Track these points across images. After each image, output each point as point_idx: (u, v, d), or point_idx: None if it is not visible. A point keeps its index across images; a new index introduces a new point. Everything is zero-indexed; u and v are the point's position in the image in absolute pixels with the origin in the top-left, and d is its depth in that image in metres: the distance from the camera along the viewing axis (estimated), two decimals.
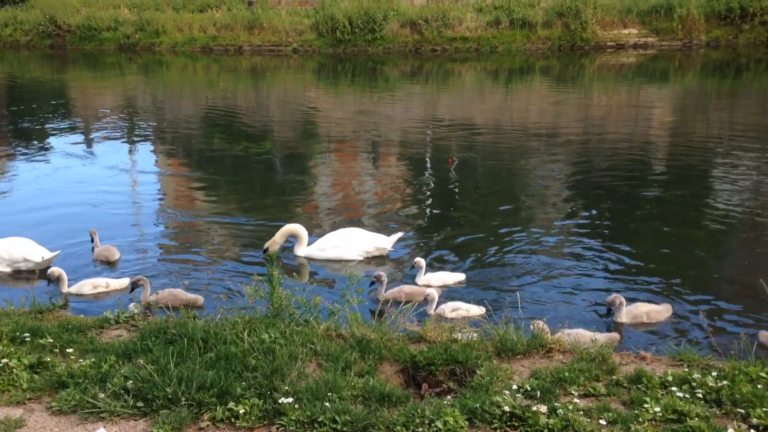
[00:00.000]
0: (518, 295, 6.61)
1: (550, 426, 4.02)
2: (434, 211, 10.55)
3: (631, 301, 6.99)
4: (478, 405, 4.19)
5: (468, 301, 7.05)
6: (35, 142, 16.26)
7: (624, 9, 28.10)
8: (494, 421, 4.11)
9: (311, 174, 12.87)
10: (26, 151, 15.22)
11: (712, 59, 25.78)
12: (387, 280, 7.38)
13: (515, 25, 28.26)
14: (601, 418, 4.13)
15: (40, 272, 8.12)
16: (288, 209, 10.76)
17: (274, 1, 33.68)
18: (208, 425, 4.17)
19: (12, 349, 5.03)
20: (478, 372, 4.71)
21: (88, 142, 16.20)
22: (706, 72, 23.99)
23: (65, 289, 7.61)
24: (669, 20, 27.39)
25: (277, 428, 4.13)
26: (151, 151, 15.54)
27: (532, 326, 5.61)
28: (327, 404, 4.21)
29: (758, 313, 6.83)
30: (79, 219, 10.18)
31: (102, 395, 4.38)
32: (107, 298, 7.39)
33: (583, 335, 5.86)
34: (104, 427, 4.19)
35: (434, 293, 7.00)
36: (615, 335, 6.26)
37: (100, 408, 4.30)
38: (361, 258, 8.57)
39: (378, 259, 8.63)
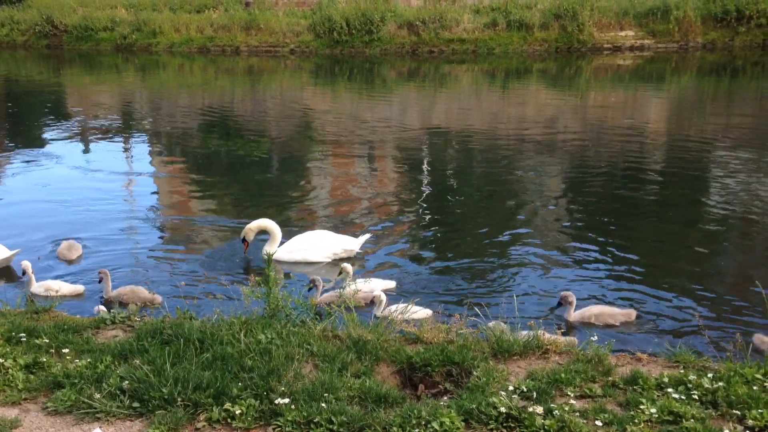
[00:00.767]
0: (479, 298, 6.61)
1: (546, 427, 4.02)
2: (424, 212, 10.55)
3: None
4: (474, 406, 4.19)
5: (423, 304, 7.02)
6: (29, 142, 16.24)
7: (621, 11, 28.16)
8: (490, 422, 4.11)
9: (305, 175, 12.86)
10: (20, 151, 15.20)
11: (709, 61, 25.84)
12: (323, 284, 7.37)
13: (512, 26, 28.30)
14: (597, 419, 4.13)
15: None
16: (280, 210, 10.76)
17: (271, 2, 33.68)
18: (204, 426, 4.16)
19: (8, 349, 5.01)
20: (474, 373, 4.71)
21: (83, 142, 16.17)
22: (702, 74, 24.05)
23: (32, 288, 7.62)
24: (665, 22, 27.46)
25: (274, 429, 4.13)
26: (146, 152, 15.53)
27: (492, 325, 5.67)
28: (323, 405, 4.21)
29: (754, 314, 6.84)
30: (71, 218, 10.27)
31: (98, 395, 4.37)
32: (62, 301, 7.31)
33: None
34: (100, 427, 4.18)
35: (382, 295, 7.01)
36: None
37: (95, 408, 4.29)
38: (329, 260, 8.57)
39: (345, 261, 8.57)
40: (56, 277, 7.90)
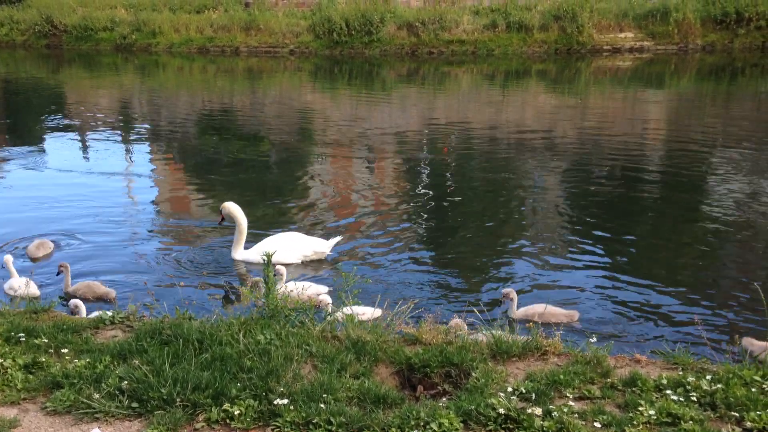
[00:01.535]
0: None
1: (544, 428, 4.02)
2: (423, 213, 10.55)
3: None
4: (473, 407, 4.19)
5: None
6: (27, 141, 16.25)
7: (620, 13, 28.18)
8: (489, 423, 4.11)
9: (304, 176, 12.86)
10: (19, 150, 15.20)
11: (708, 63, 25.87)
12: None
13: (512, 28, 28.32)
14: (595, 421, 4.13)
15: None
16: (279, 210, 10.77)
17: (271, 2, 33.69)
18: (203, 426, 4.16)
19: (7, 349, 5.01)
20: (473, 374, 4.71)
21: (82, 142, 16.18)
22: (701, 76, 24.07)
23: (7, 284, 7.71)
24: (665, 24, 27.49)
25: (273, 429, 4.13)
26: (145, 152, 15.53)
27: (452, 323, 5.72)
28: (322, 406, 4.21)
29: (753, 316, 6.85)
30: (67, 217, 10.32)
31: (97, 396, 4.36)
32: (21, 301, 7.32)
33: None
34: (99, 427, 4.18)
35: (328, 298, 7.05)
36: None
37: (94, 408, 4.29)
38: (300, 262, 8.58)
39: (316, 263, 8.60)
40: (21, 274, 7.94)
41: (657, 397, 4.40)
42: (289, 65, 28.78)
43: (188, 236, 9.74)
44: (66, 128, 17.52)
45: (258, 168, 13.56)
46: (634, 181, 11.81)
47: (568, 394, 4.48)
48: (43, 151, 15.37)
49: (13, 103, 22.38)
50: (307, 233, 9.20)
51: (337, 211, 10.80)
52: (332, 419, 4.08)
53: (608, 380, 4.67)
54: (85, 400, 4.33)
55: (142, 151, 15.60)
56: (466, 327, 5.81)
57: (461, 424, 4.11)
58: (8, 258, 7.87)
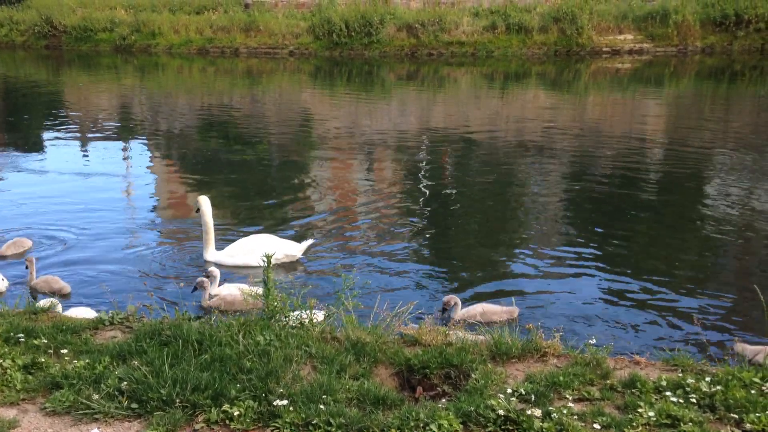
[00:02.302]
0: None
1: (544, 430, 4.02)
2: (421, 214, 10.56)
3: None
4: (472, 408, 4.19)
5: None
6: (27, 142, 16.26)
7: (620, 15, 28.22)
8: (489, 424, 4.11)
9: (303, 177, 12.86)
10: (18, 149, 15.20)
11: (707, 65, 25.90)
12: (210, 286, 7.43)
13: (511, 29, 28.35)
14: (595, 423, 4.13)
15: None
16: (277, 211, 10.77)
17: (270, 3, 33.70)
18: (202, 427, 4.16)
19: (6, 349, 5.01)
20: (472, 375, 4.71)
21: (82, 143, 16.18)
22: (700, 78, 24.10)
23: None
24: (664, 26, 27.54)
25: (272, 430, 4.13)
26: (143, 152, 15.53)
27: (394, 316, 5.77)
28: (321, 407, 4.20)
29: (752, 318, 6.85)
30: (65, 216, 10.35)
31: (96, 396, 4.36)
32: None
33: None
34: (98, 428, 4.18)
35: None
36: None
37: (94, 409, 4.28)
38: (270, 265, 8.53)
39: (288, 266, 8.55)
40: None
41: (656, 399, 4.41)
42: (288, 66, 28.79)
43: (178, 236, 9.71)
44: (65, 129, 17.51)
45: (256, 169, 13.56)
46: (633, 183, 11.82)
47: (567, 396, 4.48)
48: (42, 151, 15.38)
49: (12, 104, 22.37)
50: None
51: (335, 212, 10.79)
52: (332, 420, 4.08)
53: (608, 382, 4.67)
54: (84, 401, 4.33)
55: (140, 151, 15.60)
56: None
57: (461, 426, 4.11)
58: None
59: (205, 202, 8.73)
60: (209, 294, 7.38)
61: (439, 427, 4.05)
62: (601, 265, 8.38)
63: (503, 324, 6.26)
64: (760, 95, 20.67)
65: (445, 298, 7.01)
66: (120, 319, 5.76)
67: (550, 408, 4.23)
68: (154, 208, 11.20)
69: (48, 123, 18.49)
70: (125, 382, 4.44)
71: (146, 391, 4.34)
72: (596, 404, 4.39)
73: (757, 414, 4.17)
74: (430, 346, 5.20)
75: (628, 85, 22.85)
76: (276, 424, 4.13)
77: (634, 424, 4.10)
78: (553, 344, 5.18)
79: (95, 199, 11.30)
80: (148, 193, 12.08)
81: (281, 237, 9.21)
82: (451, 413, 4.18)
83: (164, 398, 4.29)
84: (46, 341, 5.16)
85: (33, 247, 9.09)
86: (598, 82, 23.91)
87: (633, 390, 4.53)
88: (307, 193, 11.81)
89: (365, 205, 11.14)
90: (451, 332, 5.44)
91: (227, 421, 4.19)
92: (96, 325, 5.65)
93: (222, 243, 9.32)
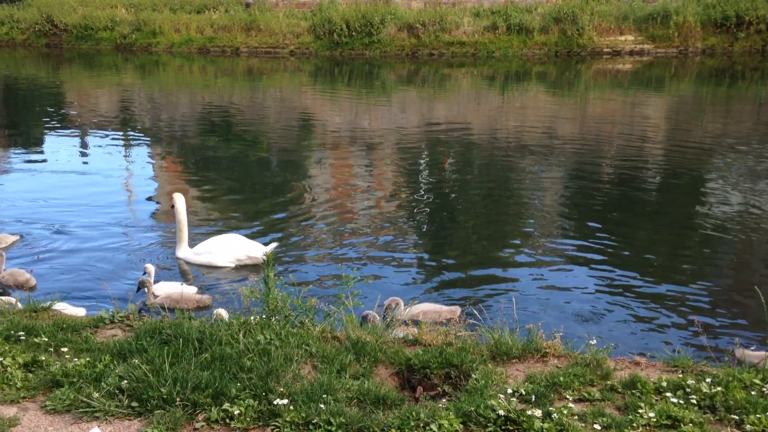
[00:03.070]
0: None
1: (544, 430, 4.02)
2: (422, 215, 10.55)
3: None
4: (473, 408, 4.19)
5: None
6: (27, 141, 16.25)
7: (621, 15, 28.20)
8: (489, 424, 4.11)
9: (303, 177, 12.86)
10: (19, 149, 15.20)
11: (708, 67, 25.90)
12: (153, 283, 7.49)
13: (512, 30, 28.33)
14: (595, 423, 4.13)
15: None
16: (277, 211, 10.76)
17: (271, 3, 33.70)
18: (202, 426, 4.16)
19: (6, 347, 5.01)
20: (473, 375, 4.71)
21: (82, 142, 16.18)
22: (701, 79, 24.10)
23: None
24: (665, 27, 27.52)
25: (272, 429, 4.13)
26: (143, 151, 15.53)
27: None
28: (322, 406, 4.21)
29: (753, 319, 6.85)
30: (63, 215, 10.35)
31: (96, 395, 4.36)
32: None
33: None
34: (98, 426, 4.18)
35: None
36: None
37: (94, 407, 4.28)
38: (233, 265, 8.53)
39: (251, 267, 8.52)
40: None
41: (657, 400, 4.41)
42: (289, 66, 28.78)
43: (166, 233, 9.71)
44: (65, 127, 17.51)
45: (256, 168, 13.56)
46: (633, 184, 11.82)
47: (567, 396, 4.48)
48: (41, 149, 15.36)
49: (13, 102, 22.37)
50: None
51: (334, 212, 10.78)
52: (332, 420, 4.08)
53: (608, 382, 4.67)
54: (84, 399, 4.33)
55: (140, 150, 15.58)
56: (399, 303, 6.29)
57: (461, 426, 4.11)
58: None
59: (179, 199, 8.76)
60: (153, 294, 7.40)
61: (440, 427, 4.05)
62: (602, 265, 8.37)
63: (443, 323, 6.27)
64: (760, 101, 20.64)
65: (386, 301, 6.97)
66: (120, 317, 5.77)
67: (551, 408, 4.23)
68: (149, 206, 11.19)
69: (47, 121, 18.48)
70: (125, 381, 4.44)
71: (146, 390, 4.34)
72: (597, 405, 4.39)
73: (758, 415, 4.17)
74: (430, 345, 5.21)
75: (629, 86, 22.85)
76: (276, 423, 4.14)
77: (635, 424, 4.10)
78: (553, 344, 5.19)
79: (91, 197, 11.30)
80: (145, 191, 12.06)
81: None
82: (451, 413, 4.18)
83: (164, 397, 4.29)
84: (46, 339, 5.17)
85: (18, 242, 9.12)
86: (599, 83, 23.90)
87: (633, 391, 4.53)
88: (306, 193, 11.80)
89: (365, 204, 11.13)
90: (450, 333, 5.44)
91: (227, 420, 4.19)
92: (96, 323, 5.66)
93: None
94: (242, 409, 4.22)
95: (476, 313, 6.03)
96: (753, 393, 4.43)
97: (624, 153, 14.08)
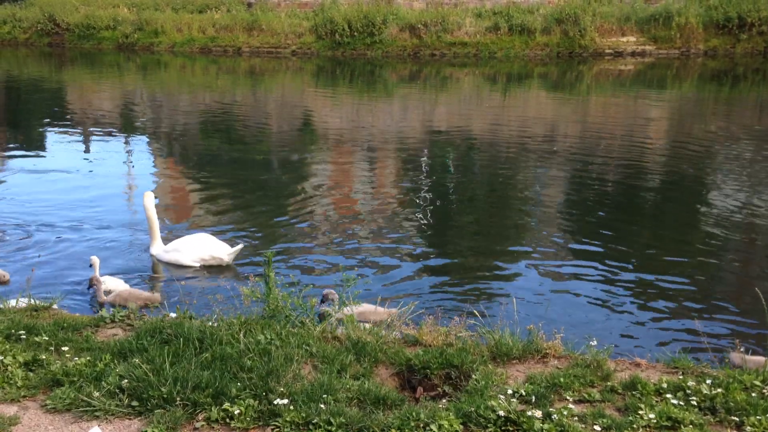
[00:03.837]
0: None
1: (544, 431, 4.02)
2: (423, 215, 10.54)
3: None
4: (473, 409, 4.19)
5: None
6: (28, 140, 16.26)
7: (623, 17, 28.21)
8: (489, 425, 4.11)
9: (304, 178, 12.84)
10: (20, 149, 15.22)
11: (710, 68, 25.89)
12: (104, 283, 7.48)
13: (514, 30, 28.34)
14: (595, 424, 4.13)
15: None
16: (276, 212, 10.75)
17: (273, 2, 33.72)
18: (202, 425, 4.16)
19: (7, 346, 5.01)
20: (473, 376, 4.71)
21: (84, 141, 16.20)
22: (703, 80, 24.09)
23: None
24: (667, 29, 27.52)
25: (272, 429, 4.13)
26: (145, 151, 15.54)
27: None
28: (322, 406, 4.21)
29: (754, 321, 6.84)
30: (61, 214, 10.35)
31: (97, 394, 4.36)
32: None
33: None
34: (99, 425, 4.18)
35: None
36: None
37: (94, 406, 4.28)
38: (197, 265, 8.49)
39: (216, 268, 8.47)
40: None
41: (657, 401, 4.41)
42: (291, 66, 28.79)
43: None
44: (67, 127, 17.52)
45: (257, 169, 13.55)
46: (634, 184, 11.82)
47: (568, 397, 4.48)
48: (43, 149, 15.38)
49: (14, 102, 22.39)
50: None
51: (335, 212, 10.78)
52: (332, 420, 4.08)
53: (608, 383, 4.67)
54: (85, 398, 4.33)
55: (141, 149, 15.60)
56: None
57: (461, 426, 4.11)
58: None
59: (148, 197, 8.80)
60: (104, 291, 7.40)
61: (440, 427, 4.05)
62: (603, 266, 8.37)
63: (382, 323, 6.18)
64: (762, 98, 20.63)
65: (325, 291, 6.88)
66: (121, 317, 5.78)
67: (551, 409, 4.23)
68: (159, 208, 11.19)
69: (49, 121, 18.50)
70: (126, 380, 4.45)
71: (147, 389, 4.34)
72: (597, 406, 4.39)
73: (758, 417, 4.17)
74: (430, 346, 5.21)
75: (631, 87, 22.84)
76: (276, 423, 4.14)
77: (635, 426, 4.10)
78: (553, 345, 5.19)
79: (90, 196, 11.30)
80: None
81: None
82: (451, 414, 4.18)
83: (165, 396, 4.30)
84: (47, 338, 5.17)
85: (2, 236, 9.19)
86: (601, 84, 23.89)
87: (634, 392, 4.53)
88: (307, 193, 11.79)
89: (366, 204, 11.13)
90: (451, 334, 5.44)
91: (228, 420, 4.19)
92: (97, 322, 5.66)
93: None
94: (242, 408, 4.22)
95: (477, 313, 6.02)
96: (753, 395, 4.43)
97: (625, 154, 14.07)
